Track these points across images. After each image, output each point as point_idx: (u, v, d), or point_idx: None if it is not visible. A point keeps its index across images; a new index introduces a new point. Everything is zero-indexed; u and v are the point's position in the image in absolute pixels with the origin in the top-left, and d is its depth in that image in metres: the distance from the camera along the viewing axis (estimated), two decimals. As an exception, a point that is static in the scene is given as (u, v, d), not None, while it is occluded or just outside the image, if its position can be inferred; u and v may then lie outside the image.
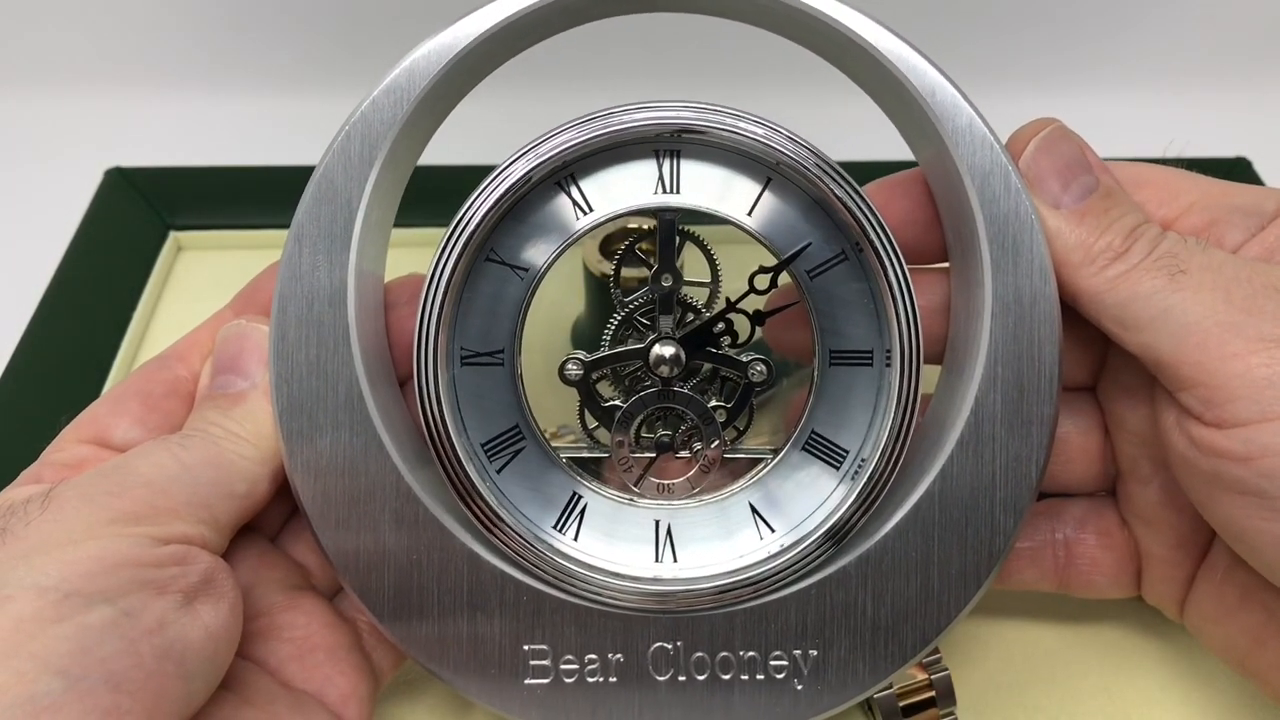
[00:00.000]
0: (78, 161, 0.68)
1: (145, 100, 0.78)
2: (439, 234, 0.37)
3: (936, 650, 0.41)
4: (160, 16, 0.77)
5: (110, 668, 0.29)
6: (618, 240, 0.50)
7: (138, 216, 0.65)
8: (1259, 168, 0.67)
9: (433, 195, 0.43)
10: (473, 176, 0.38)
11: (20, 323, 0.59)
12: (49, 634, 0.29)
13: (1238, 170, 0.67)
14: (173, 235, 0.65)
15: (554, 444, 0.41)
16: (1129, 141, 0.60)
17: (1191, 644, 0.45)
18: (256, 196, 0.66)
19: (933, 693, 0.42)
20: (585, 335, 0.56)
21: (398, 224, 0.41)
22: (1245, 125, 0.76)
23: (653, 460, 0.41)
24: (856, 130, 0.52)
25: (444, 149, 0.43)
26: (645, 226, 0.44)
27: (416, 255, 0.41)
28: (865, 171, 0.40)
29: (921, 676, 0.42)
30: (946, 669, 0.42)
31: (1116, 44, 0.79)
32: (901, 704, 0.42)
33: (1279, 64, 0.80)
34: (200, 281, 0.64)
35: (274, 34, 0.77)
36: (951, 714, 0.43)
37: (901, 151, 0.41)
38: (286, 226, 0.37)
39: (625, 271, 0.43)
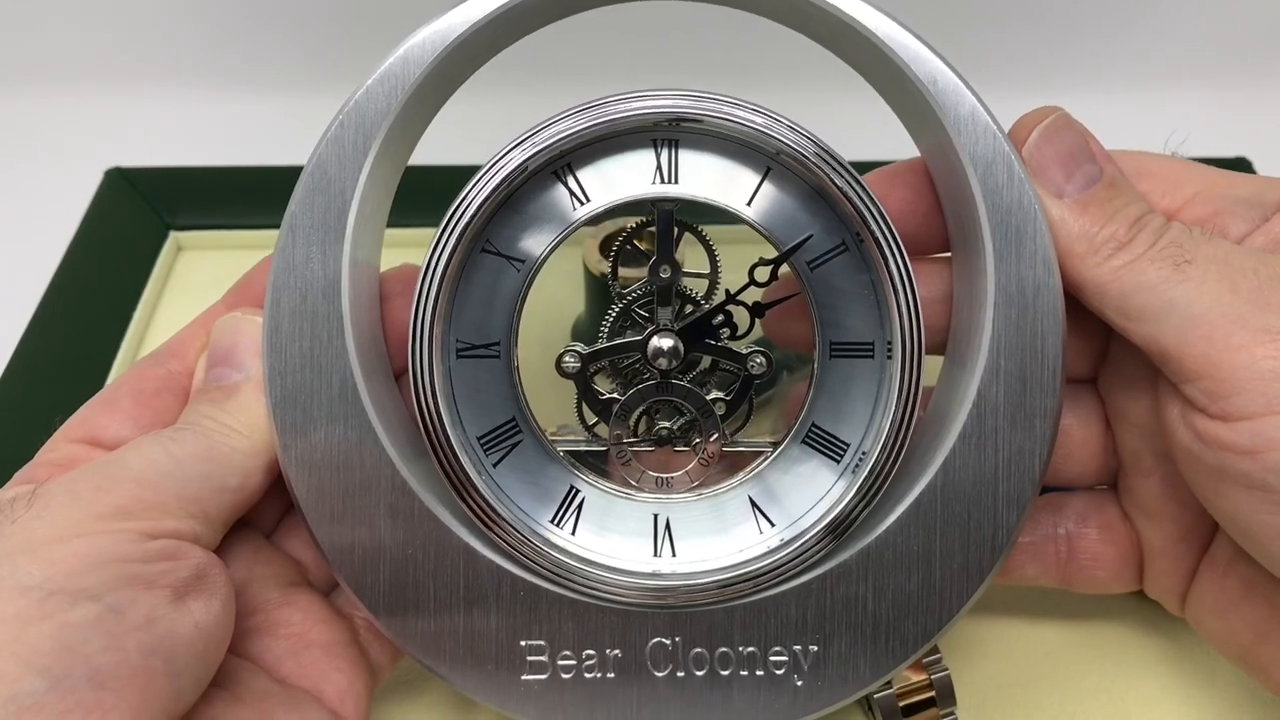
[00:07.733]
0: (78, 161, 0.68)
1: (145, 100, 0.78)
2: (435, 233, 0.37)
3: (936, 650, 0.41)
4: (160, 16, 0.77)
5: (94, 665, 0.29)
6: (619, 240, 0.50)
7: (138, 216, 0.65)
8: (1259, 168, 0.67)
9: (430, 194, 0.43)
10: (470, 175, 0.37)
11: (20, 323, 0.59)
12: (31, 633, 0.29)
13: (1238, 170, 0.67)
14: (173, 235, 0.65)
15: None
16: (1129, 141, 0.59)
17: (1193, 643, 0.45)
18: (256, 196, 0.65)
19: (933, 693, 0.42)
20: (586, 336, 0.55)
21: (393, 223, 0.40)
22: (1245, 125, 0.76)
23: (637, 442, 0.40)
24: (857, 125, 0.52)
25: (440, 147, 0.43)
26: (644, 223, 0.44)
27: (413, 255, 0.40)
28: (866, 171, 0.40)
29: (921, 676, 0.42)
30: (946, 669, 0.42)
31: (1116, 44, 0.79)
32: (901, 704, 0.41)
33: (1279, 64, 0.80)
34: (200, 281, 0.64)
35: (273, 34, 0.77)
36: (951, 714, 0.42)
37: (903, 149, 0.41)
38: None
39: (625, 272, 0.43)
